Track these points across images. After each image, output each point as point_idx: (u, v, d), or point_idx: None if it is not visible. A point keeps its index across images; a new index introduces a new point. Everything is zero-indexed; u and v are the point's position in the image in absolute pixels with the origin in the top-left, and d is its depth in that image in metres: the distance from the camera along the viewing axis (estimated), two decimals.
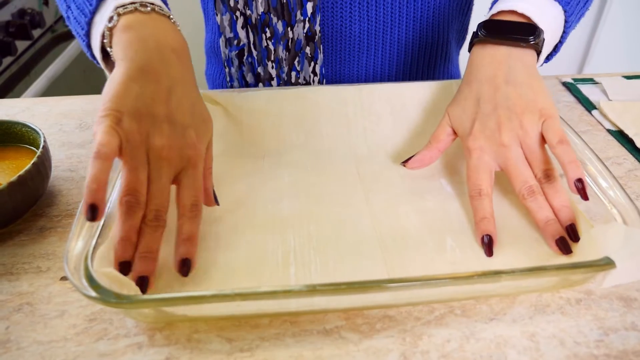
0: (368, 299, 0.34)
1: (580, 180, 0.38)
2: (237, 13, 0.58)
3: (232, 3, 0.57)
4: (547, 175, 0.40)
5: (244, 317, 0.35)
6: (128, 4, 0.39)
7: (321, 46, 0.58)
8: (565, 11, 0.46)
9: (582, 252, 0.37)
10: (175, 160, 0.36)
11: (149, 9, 0.40)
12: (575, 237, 0.37)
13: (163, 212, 0.35)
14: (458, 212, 0.42)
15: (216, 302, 0.30)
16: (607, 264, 0.32)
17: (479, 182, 0.41)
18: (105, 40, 0.39)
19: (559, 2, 0.46)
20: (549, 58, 0.50)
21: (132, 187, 0.34)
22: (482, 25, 0.45)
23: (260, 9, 0.56)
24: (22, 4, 1.07)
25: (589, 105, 0.59)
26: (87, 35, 0.42)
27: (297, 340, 0.33)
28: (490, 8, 0.48)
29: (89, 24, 0.42)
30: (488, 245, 0.38)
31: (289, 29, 0.57)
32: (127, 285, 0.32)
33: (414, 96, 0.51)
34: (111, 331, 0.34)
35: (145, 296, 0.31)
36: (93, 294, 0.30)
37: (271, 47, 0.59)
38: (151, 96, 0.36)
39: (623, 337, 0.33)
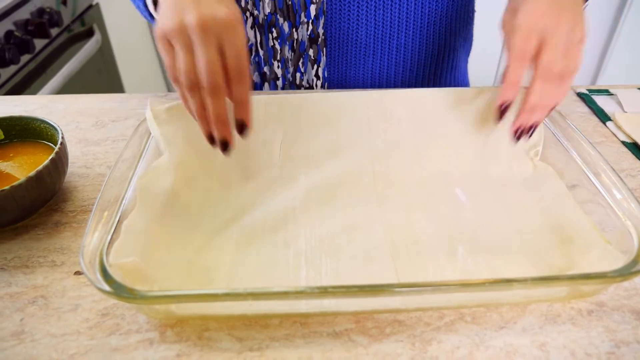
0: (378, 303, 0.34)
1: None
2: (247, 13, 0.59)
3: (242, 3, 0.59)
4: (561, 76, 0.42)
5: (254, 317, 0.35)
6: None
7: (324, 49, 0.59)
8: None
9: (594, 264, 0.36)
10: (209, 28, 0.36)
11: None
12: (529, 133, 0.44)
13: (219, 80, 0.37)
14: (471, 220, 0.42)
15: (228, 300, 0.31)
16: (619, 275, 0.32)
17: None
18: None
19: None
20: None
21: (185, 68, 0.37)
22: None
23: (267, 10, 0.58)
24: (41, 3, 1.09)
25: (603, 117, 0.59)
26: None
27: (307, 342, 0.33)
28: None
29: None
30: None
31: (294, 29, 0.58)
32: (145, 278, 0.33)
33: (435, 108, 0.51)
34: (123, 326, 0.35)
35: (159, 292, 0.31)
36: (107, 288, 0.31)
37: (277, 46, 0.60)
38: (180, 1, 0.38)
39: (635, 350, 0.33)
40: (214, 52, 0.37)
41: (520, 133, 0.44)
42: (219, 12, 0.37)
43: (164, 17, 0.38)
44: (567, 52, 0.42)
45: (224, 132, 0.39)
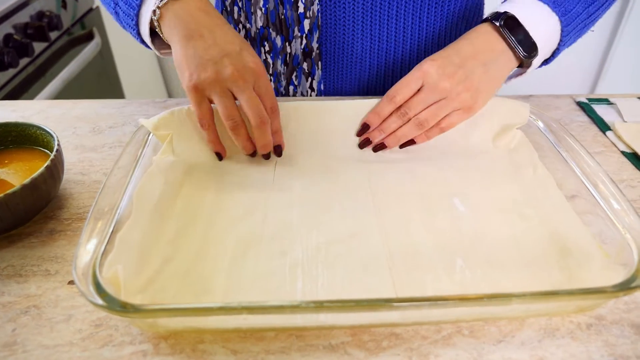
0: (375, 317, 0.34)
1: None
2: (240, 25, 0.59)
3: (235, 15, 0.59)
4: (420, 124, 0.48)
5: (249, 329, 0.34)
6: None
7: (319, 62, 0.59)
8: (562, 31, 0.50)
9: (594, 278, 0.36)
10: (246, 76, 0.44)
11: None
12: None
13: (263, 112, 0.45)
14: (469, 232, 0.42)
15: (222, 314, 0.30)
16: (619, 290, 0.31)
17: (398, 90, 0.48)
18: (155, 24, 0.47)
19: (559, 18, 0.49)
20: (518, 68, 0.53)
21: (227, 113, 0.44)
22: (504, 16, 0.49)
23: (260, 24, 0.57)
24: (40, 6, 1.09)
25: (603, 126, 0.58)
26: (137, 24, 0.49)
27: (303, 355, 0.33)
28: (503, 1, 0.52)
29: (137, 15, 0.48)
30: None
31: (287, 44, 0.58)
32: (137, 289, 0.33)
33: None
34: (116, 337, 0.34)
35: (152, 306, 0.31)
36: (100, 301, 0.30)
37: (270, 60, 0.60)
38: (203, 47, 0.44)
39: None
40: (254, 94, 0.45)
41: (365, 142, 0.50)
42: (249, 63, 0.45)
43: (192, 71, 0.43)
44: (436, 109, 0.47)
45: (269, 150, 0.48)
